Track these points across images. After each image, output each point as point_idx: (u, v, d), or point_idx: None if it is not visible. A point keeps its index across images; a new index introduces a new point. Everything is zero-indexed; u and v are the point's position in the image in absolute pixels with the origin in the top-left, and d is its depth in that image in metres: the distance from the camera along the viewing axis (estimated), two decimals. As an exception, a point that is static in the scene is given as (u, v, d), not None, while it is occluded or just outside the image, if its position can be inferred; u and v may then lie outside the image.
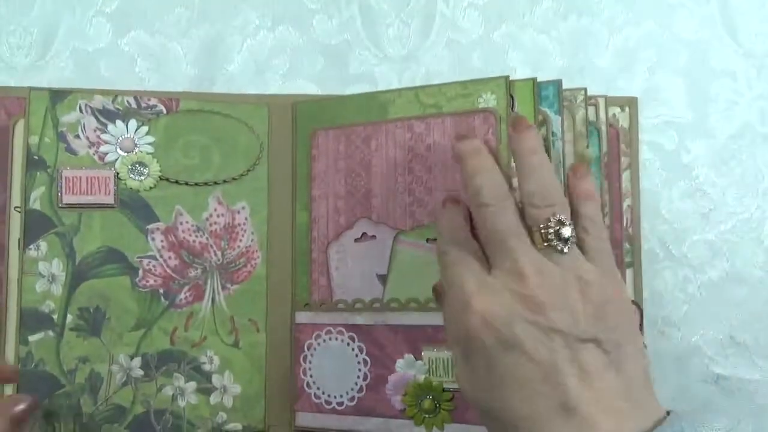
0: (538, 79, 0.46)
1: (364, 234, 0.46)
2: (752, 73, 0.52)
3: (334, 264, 0.47)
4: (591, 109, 0.48)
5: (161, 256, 0.47)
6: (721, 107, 0.52)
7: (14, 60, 0.52)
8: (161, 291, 0.47)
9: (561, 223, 0.32)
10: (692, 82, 0.52)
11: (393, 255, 0.45)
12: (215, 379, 0.47)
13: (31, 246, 0.45)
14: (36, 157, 0.46)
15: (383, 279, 0.45)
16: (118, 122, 0.47)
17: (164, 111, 0.48)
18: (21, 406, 0.40)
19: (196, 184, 0.48)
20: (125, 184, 0.47)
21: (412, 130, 0.46)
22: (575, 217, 0.34)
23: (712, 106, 0.52)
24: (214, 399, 0.47)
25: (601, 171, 0.48)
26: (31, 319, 0.45)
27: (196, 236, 0.47)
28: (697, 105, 0.52)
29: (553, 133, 0.46)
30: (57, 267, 0.46)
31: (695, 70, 0.53)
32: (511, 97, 0.45)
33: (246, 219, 0.48)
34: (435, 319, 0.44)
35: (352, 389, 0.46)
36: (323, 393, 0.46)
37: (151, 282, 0.47)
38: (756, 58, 0.53)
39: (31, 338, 0.45)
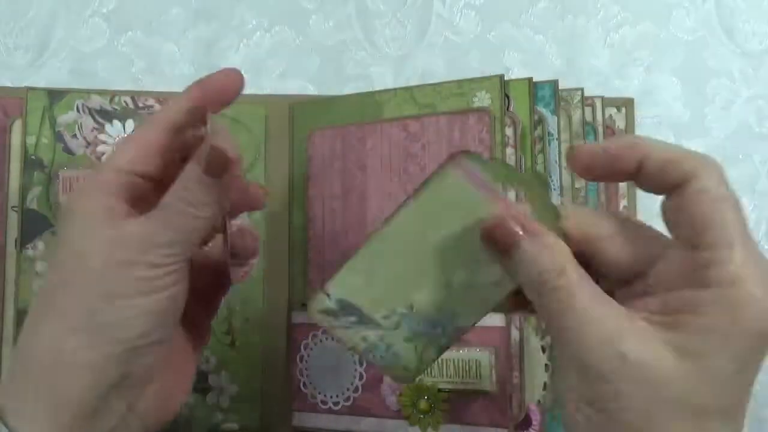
0: (535, 79, 0.46)
1: None
2: (749, 72, 0.52)
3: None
4: (588, 110, 0.48)
5: (158, 256, 0.47)
6: (718, 107, 0.52)
7: (12, 60, 0.52)
8: (158, 291, 0.47)
9: None
10: (689, 82, 0.52)
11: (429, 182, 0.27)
12: (212, 379, 0.47)
13: (28, 246, 0.46)
14: (33, 157, 0.46)
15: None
16: (116, 122, 0.47)
17: (161, 111, 0.48)
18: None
19: (193, 184, 0.48)
20: (122, 184, 0.47)
21: (407, 130, 0.46)
22: None
23: (708, 106, 0.52)
24: (210, 399, 0.47)
25: (598, 171, 0.48)
26: (28, 319, 0.45)
27: (193, 236, 0.47)
28: (694, 105, 0.52)
29: (549, 133, 0.46)
30: (54, 267, 0.46)
31: (692, 69, 0.53)
32: (507, 97, 0.45)
33: (242, 219, 0.48)
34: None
35: (348, 389, 0.46)
36: (319, 393, 0.46)
37: (148, 282, 0.47)
38: (753, 58, 0.53)
39: (28, 338, 0.45)
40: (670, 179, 0.24)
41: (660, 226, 0.51)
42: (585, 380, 0.24)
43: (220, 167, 0.29)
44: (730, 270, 0.22)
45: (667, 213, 0.25)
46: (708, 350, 0.22)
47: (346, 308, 0.30)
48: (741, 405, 0.24)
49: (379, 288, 0.29)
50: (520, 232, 0.25)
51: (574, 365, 0.24)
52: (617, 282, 0.26)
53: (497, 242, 0.26)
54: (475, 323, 0.29)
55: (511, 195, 0.27)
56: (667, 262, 0.25)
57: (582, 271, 0.25)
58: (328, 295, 0.30)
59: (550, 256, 0.25)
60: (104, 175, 0.30)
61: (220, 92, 0.32)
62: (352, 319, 0.30)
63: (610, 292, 0.25)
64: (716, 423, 0.23)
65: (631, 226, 0.26)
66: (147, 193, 0.30)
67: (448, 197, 0.27)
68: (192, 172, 0.29)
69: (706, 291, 0.23)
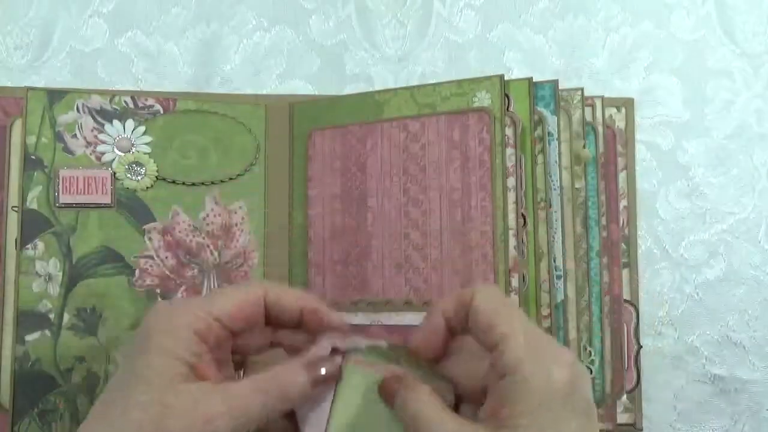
0: (535, 79, 0.46)
1: (334, 351, 0.33)
2: (749, 72, 0.52)
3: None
4: (588, 110, 0.48)
5: (158, 256, 0.47)
6: (718, 107, 0.52)
7: (12, 60, 0.52)
8: (158, 291, 0.47)
9: None
10: (689, 82, 0.52)
11: (342, 378, 0.33)
12: (212, 379, 0.47)
13: (28, 246, 0.46)
14: (33, 157, 0.46)
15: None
16: (116, 122, 0.47)
17: (161, 111, 0.48)
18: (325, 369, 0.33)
19: (193, 184, 0.48)
20: (122, 184, 0.47)
21: (407, 130, 0.46)
22: None
23: (708, 106, 0.52)
24: (210, 398, 0.47)
25: (598, 172, 0.48)
26: (28, 319, 0.45)
27: (193, 236, 0.47)
28: (694, 105, 0.52)
29: (549, 133, 0.46)
30: (54, 267, 0.46)
31: (692, 69, 0.53)
32: (507, 96, 0.45)
33: (243, 219, 0.48)
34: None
35: (348, 389, 0.46)
36: (319, 393, 0.46)
37: (148, 282, 0.47)
38: (753, 58, 0.53)
39: (28, 338, 0.45)
40: (463, 309, 0.30)
41: (659, 226, 0.51)
42: None
43: (327, 383, 0.32)
44: (510, 358, 0.27)
45: (472, 335, 0.30)
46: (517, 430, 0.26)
47: None
48: None
49: None
50: (395, 385, 0.31)
51: None
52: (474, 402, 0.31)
53: (387, 398, 0.31)
54: None
55: (392, 366, 0.33)
56: (488, 372, 0.29)
57: (436, 399, 0.30)
58: None
59: (412, 394, 0.30)
60: (200, 316, 0.30)
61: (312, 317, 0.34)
62: None
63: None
64: None
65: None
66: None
67: (356, 383, 0.33)
68: (298, 376, 0.31)
69: (503, 381, 0.27)
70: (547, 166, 0.45)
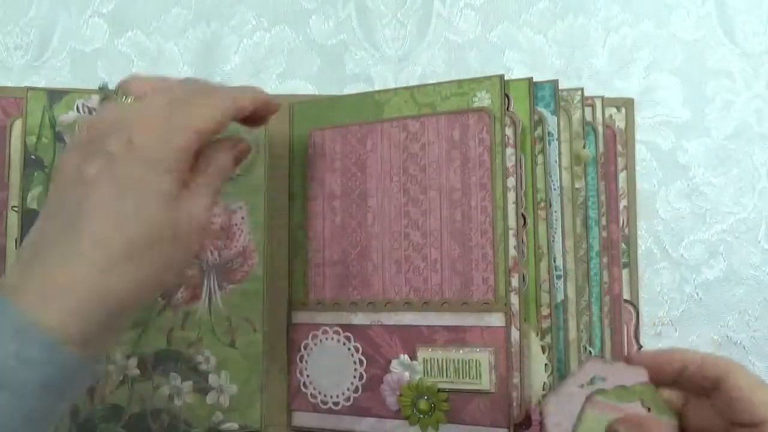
0: (535, 79, 0.46)
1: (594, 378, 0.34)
2: (749, 72, 0.52)
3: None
4: (588, 110, 0.48)
5: (158, 256, 0.47)
6: (718, 107, 0.52)
7: (11, 60, 0.52)
8: (158, 291, 0.47)
9: None
10: (689, 82, 0.52)
11: (581, 418, 0.33)
12: (212, 379, 0.47)
13: (28, 246, 0.46)
14: (33, 157, 0.46)
15: None
16: (115, 122, 0.47)
17: (161, 111, 0.48)
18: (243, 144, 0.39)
19: (193, 184, 0.48)
20: (122, 184, 0.47)
21: (407, 130, 0.46)
22: None
23: (708, 106, 0.52)
24: (210, 399, 0.47)
25: (598, 172, 0.48)
26: (28, 319, 0.45)
27: (193, 236, 0.47)
28: (694, 105, 0.52)
29: (549, 133, 0.46)
30: (54, 267, 0.46)
31: (692, 69, 0.53)
32: (507, 96, 0.45)
33: (243, 219, 0.48)
34: (430, 319, 0.44)
35: (348, 389, 0.46)
36: (319, 393, 0.46)
37: (148, 282, 0.47)
38: (753, 58, 0.53)
39: (28, 338, 0.45)
40: (709, 379, 0.31)
41: (659, 226, 0.51)
42: None
43: (243, 155, 0.39)
44: None
45: (715, 406, 0.32)
46: None
47: None
48: None
49: None
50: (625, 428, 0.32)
51: None
52: None
53: None
54: None
55: (634, 405, 0.33)
56: None
57: None
58: None
59: None
60: (192, 138, 0.33)
61: (265, 107, 0.39)
62: None
63: None
64: None
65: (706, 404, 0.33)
66: None
67: (591, 428, 0.33)
68: (228, 156, 0.37)
69: None
70: (547, 166, 0.46)
